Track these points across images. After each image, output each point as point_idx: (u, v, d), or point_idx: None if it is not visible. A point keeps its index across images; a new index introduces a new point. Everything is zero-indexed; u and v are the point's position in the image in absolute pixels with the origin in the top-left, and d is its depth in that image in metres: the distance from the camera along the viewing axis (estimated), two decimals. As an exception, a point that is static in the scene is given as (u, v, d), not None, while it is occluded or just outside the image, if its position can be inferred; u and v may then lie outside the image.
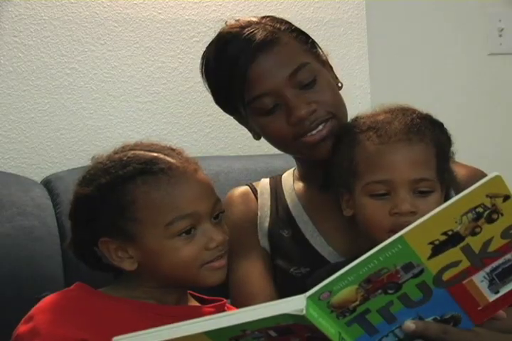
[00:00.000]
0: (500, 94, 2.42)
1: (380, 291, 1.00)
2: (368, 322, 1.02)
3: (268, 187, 1.55)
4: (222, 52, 1.42)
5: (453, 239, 1.01)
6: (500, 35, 2.40)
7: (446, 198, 1.37)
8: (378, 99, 2.20)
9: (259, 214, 1.52)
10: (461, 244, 1.02)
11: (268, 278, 1.47)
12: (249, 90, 1.40)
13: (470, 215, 1.00)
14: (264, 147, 2.06)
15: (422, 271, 1.01)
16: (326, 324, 0.98)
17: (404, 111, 1.36)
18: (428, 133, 1.33)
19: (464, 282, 1.05)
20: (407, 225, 1.25)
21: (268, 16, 1.47)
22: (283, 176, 1.58)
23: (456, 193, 1.43)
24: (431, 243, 1.00)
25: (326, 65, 1.48)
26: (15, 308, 1.29)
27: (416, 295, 1.03)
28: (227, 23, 1.46)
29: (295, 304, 0.95)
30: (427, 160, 1.32)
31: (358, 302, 1.00)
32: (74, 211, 1.30)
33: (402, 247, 0.99)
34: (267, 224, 1.51)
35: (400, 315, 1.04)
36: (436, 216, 1.00)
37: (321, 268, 1.36)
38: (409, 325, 1.05)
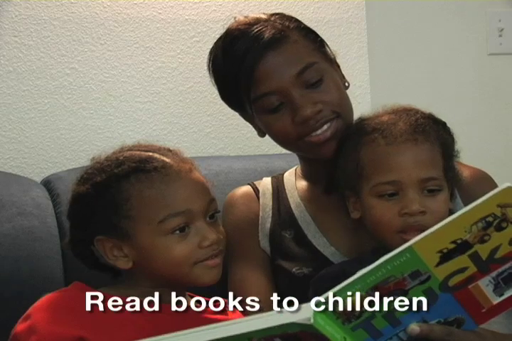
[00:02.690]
0: (500, 94, 2.42)
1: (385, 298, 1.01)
2: (372, 326, 1.02)
3: (270, 186, 1.55)
4: (230, 49, 1.42)
5: (461, 247, 1.01)
6: (500, 35, 2.40)
7: (451, 197, 1.38)
8: (378, 99, 2.20)
9: (260, 214, 1.52)
10: (469, 252, 1.02)
11: (266, 283, 1.46)
12: (255, 88, 1.40)
13: (480, 224, 1.01)
14: (264, 147, 2.07)
15: (428, 278, 1.02)
16: (331, 330, 0.99)
17: (408, 112, 1.36)
18: (433, 132, 1.34)
19: (470, 287, 1.05)
20: (417, 225, 1.26)
21: (278, 14, 1.47)
22: (285, 175, 1.57)
23: (460, 192, 1.43)
24: (439, 251, 1.01)
25: (333, 64, 1.48)
26: (15, 308, 1.29)
27: None
28: (236, 19, 1.45)
29: (303, 313, 0.96)
30: (433, 159, 1.32)
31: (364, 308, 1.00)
32: (71, 210, 1.31)
33: (411, 256, 1.00)
34: (268, 225, 1.50)
35: (405, 319, 1.04)
36: (446, 226, 1.00)
37: (324, 268, 1.36)
38: (414, 327, 1.05)
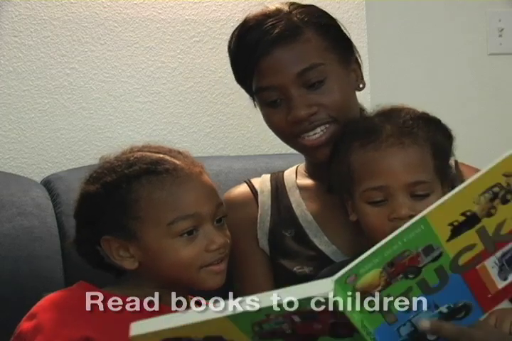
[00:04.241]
0: (500, 94, 2.42)
1: (401, 276, 1.02)
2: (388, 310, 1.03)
3: (269, 184, 1.54)
4: (243, 38, 1.44)
5: (470, 221, 1.03)
6: (500, 35, 2.40)
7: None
8: (378, 99, 2.19)
9: (259, 212, 1.52)
10: (477, 226, 1.04)
11: (264, 285, 1.46)
12: (258, 80, 1.42)
13: (487, 195, 1.03)
14: (264, 147, 2.07)
15: (440, 255, 1.03)
16: (351, 310, 0.99)
17: (398, 113, 1.35)
18: (421, 133, 1.32)
19: (477, 267, 1.07)
20: None
21: (304, 6, 1.46)
22: (285, 173, 1.57)
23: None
24: (450, 224, 1.02)
25: (350, 65, 1.47)
26: (15, 308, 1.29)
27: (433, 281, 1.05)
28: (263, 7, 1.45)
29: (322, 287, 0.96)
30: (422, 162, 1.31)
31: (380, 288, 1.01)
32: (79, 208, 1.31)
33: (425, 228, 1.01)
34: (267, 223, 1.50)
35: (418, 304, 1.05)
36: (456, 195, 1.01)
37: (326, 267, 1.37)
38: (425, 322, 1.06)
